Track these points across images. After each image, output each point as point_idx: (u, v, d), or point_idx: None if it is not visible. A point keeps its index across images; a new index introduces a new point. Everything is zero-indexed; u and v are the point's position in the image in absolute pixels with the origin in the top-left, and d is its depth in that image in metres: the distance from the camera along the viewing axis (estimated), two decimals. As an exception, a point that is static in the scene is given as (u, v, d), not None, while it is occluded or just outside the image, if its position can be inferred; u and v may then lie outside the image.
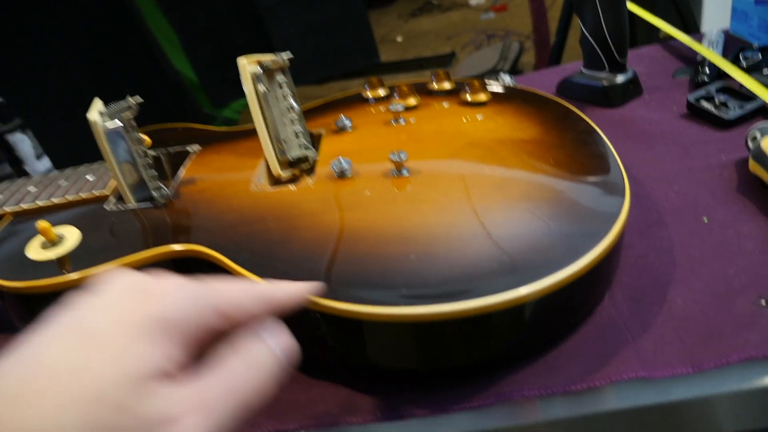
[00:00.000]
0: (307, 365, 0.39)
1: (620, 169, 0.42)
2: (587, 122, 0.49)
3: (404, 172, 0.43)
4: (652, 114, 0.59)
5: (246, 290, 0.26)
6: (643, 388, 0.33)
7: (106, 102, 0.45)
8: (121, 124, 0.44)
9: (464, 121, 0.51)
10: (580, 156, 0.44)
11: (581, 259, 0.33)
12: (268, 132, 0.48)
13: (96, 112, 0.44)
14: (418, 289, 0.33)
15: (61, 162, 0.83)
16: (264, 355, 0.24)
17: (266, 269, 0.36)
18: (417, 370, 0.36)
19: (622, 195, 0.39)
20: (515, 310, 0.32)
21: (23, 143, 0.83)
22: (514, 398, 0.34)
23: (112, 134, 0.44)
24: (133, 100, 0.46)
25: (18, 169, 0.86)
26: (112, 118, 0.45)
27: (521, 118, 0.50)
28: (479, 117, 0.51)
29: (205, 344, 0.24)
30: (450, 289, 0.33)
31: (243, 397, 0.22)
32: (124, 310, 0.22)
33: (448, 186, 0.41)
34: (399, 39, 2.71)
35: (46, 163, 0.89)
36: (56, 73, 1.08)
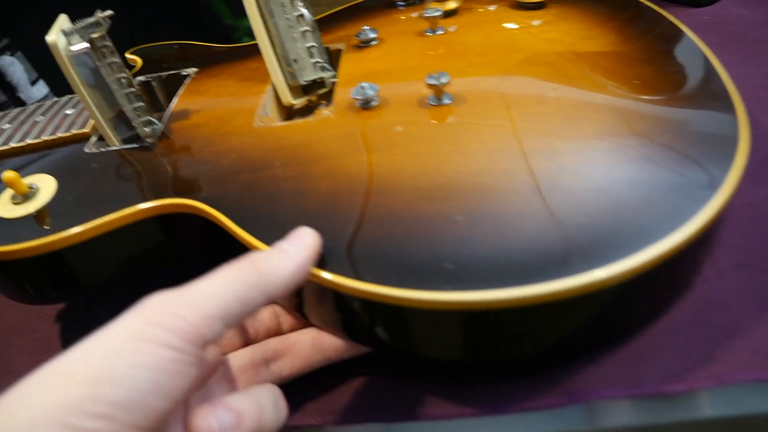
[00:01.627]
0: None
1: (729, 88, 0.31)
2: (677, 26, 0.38)
3: (445, 99, 0.34)
4: (754, 13, 0.47)
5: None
6: (763, 392, 0.25)
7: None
8: (88, 45, 0.35)
9: (518, 29, 0.40)
10: (674, 73, 0.34)
11: (689, 222, 0.24)
12: (274, 50, 0.38)
13: (57, 31, 0.35)
14: (468, 265, 0.25)
15: (61, 87, 0.75)
16: None
17: (271, 231, 0.29)
18: (464, 362, 0.29)
19: (735, 126, 0.29)
20: (596, 295, 0.24)
21: (13, 67, 0.75)
22: (591, 399, 0.26)
23: (78, 58, 0.35)
24: (103, 14, 0.36)
25: (11, 97, 0.78)
26: (78, 38, 0.36)
27: (591, 24, 0.40)
28: (537, 23, 0.41)
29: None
30: (508, 265, 0.24)
31: None
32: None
33: (502, 119, 0.32)
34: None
35: (42, 89, 0.81)
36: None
